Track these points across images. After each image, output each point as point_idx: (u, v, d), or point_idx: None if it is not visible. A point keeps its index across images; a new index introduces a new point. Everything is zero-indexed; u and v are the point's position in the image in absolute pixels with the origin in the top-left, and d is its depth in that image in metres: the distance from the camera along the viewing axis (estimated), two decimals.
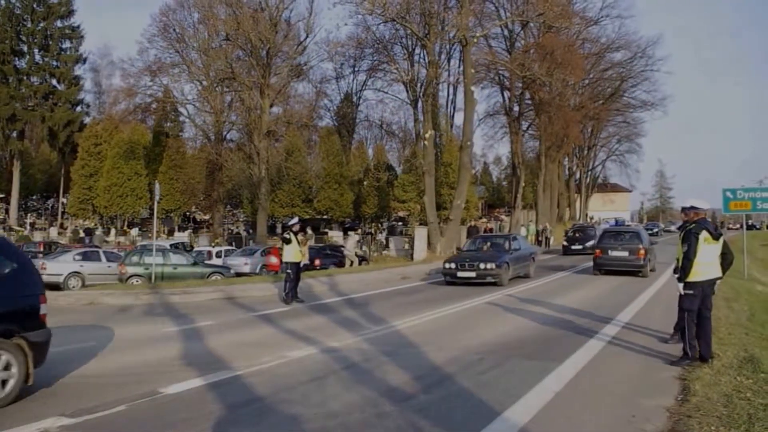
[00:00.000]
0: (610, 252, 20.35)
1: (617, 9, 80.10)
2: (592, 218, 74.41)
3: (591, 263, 20.89)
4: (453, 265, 17.70)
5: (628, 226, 45.80)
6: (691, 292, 7.57)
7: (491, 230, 34.49)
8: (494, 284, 17.11)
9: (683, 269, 7.62)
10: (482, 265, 17.06)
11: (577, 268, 23.60)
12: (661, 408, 5.78)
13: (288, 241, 14.62)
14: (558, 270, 22.59)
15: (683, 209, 8.43)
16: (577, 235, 32.87)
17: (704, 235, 7.55)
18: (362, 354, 8.38)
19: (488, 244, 19.97)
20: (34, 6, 48.06)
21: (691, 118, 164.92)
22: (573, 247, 31.41)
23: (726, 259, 7.91)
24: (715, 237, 7.64)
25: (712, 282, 7.72)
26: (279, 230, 46.83)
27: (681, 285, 7.68)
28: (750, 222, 67.50)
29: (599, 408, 5.92)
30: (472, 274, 17.17)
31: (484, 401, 6.02)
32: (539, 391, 6.36)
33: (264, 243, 34.12)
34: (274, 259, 28.08)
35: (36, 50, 49.08)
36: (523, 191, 52.59)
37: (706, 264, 7.59)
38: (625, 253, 20.02)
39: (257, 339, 9.71)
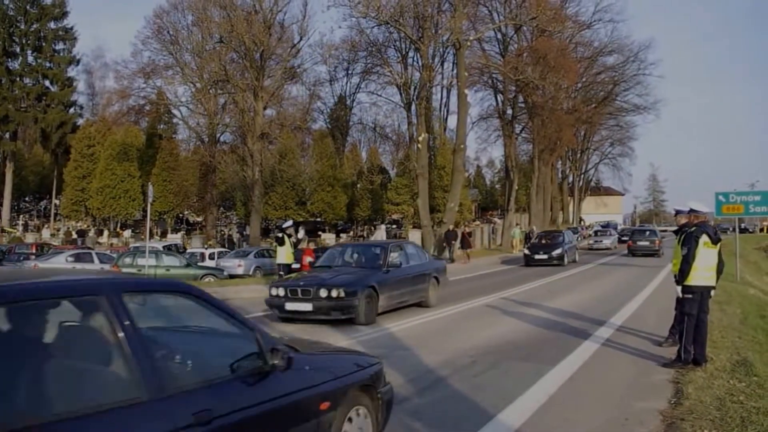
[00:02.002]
0: (638, 242, 32.55)
1: (610, 13, 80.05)
2: (582, 221, 74.68)
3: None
4: (281, 292, 11.37)
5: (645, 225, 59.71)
6: (690, 296, 7.53)
7: (470, 234, 32.52)
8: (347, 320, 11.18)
9: (681, 272, 7.58)
10: (325, 292, 10.83)
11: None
12: (654, 411, 5.78)
13: (281, 243, 14.62)
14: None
15: (679, 213, 8.43)
16: (543, 242, 28.36)
17: (704, 239, 7.51)
18: None
19: (357, 255, 13.68)
20: (28, 7, 47.87)
21: (683, 122, 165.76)
22: (536, 256, 26.50)
23: (718, 265, 7.90)
24: (714, 242, 7.62)
25: (708, 289, 7.71)
26: (275, 232, 46.78)
27: (679, 288, 7.65)
28: (743, 225, 67.77)
29: (593, 410, 5.92)
30: (308, 307, 10.91)
31: (478, 404, 6.01)
32: (533, 394, 6.36)
33: (257, 245, 34.05)
34: (310, 259, 28.53)
35: (29, 51, 48.88)
36: (516, 194, 52.62)
37: (705, 269, 7.55)
38: (647, 243, 32.00)
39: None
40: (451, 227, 29.15)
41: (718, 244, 7.72)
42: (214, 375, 3.17)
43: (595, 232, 46.88)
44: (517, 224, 45.31)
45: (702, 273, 7.53)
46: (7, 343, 2.63)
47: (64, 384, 2.71)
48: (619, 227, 61.09)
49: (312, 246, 30.15)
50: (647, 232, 34.88)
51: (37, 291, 2.81)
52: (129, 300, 2.95)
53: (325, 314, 10.92)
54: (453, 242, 28.19)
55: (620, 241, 44.59)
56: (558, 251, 26.46)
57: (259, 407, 3.23)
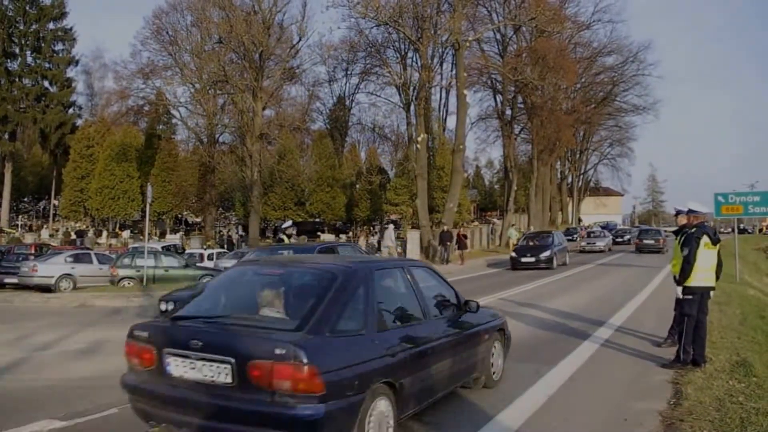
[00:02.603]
0: (644, 240, 35.92)
1: (609, 13, 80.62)
2: (580, 221, 74.69)
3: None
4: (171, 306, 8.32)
5: (638, 226, 61.92)
6: (690, 296, 7.52)
7: (465, 237, 31.08)
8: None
9: (683, 273, 7.56)
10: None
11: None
12: (653, 412, 5.78)
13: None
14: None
15: (680, 213, 8.42)
16: (530, 243, 27.00)
17: (705, 240, 7.51)
18: None
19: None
20: (27, 8, 47.78)
21: (682, 123, 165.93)
22: (523, 259, 25.05)
23: (717, 266, 7.89)
24: (714, 243, 7.62)
25: (708, 290, 7.71)
26: (273, 233, 46.77)
27: (680, 289, 7.64)
28: (742, 226, 67.81)
29: (592, 411, 5.92)
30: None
31: (477, 405, 6.01)
32: (532, 395, 6.36)
33: (256, 246, 34.03)
34: None
35: (28, 52, 48.79)
36: (515, 195, 52.67)
37: (705, 270, 7.55)
38: (652, 241, 35.26)
39: None
40: (446, 228, 28.76)
41: (718, 245, 7.72)
42: (442, 312, 5.94)
43: (588, 234, 45.29)
44: (512, 224, 45.17)
45: (702, 274, 7.53)
46: (383, 288, 5.26)
47: (401, 310, 5.34)
48: (618, 227, 60.87)
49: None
50: (652, 232, 38.92)
51: (387, 265, 6.11)
52: (411, 270, 5.83)
53: None
54: (448, 243, 27.93)
55: (615, 243, 43.57)
56: (546, 254, 25.04)
57: (451, 335, 5.75)
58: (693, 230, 7.66)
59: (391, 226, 29.09)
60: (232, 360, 4.05)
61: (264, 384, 3.97)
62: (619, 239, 47.42)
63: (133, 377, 4.69)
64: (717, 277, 7.87)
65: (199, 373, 4.21)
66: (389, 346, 4.67)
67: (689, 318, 7.48)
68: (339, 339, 4.39)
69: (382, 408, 4.46)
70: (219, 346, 4.16)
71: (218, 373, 4.12)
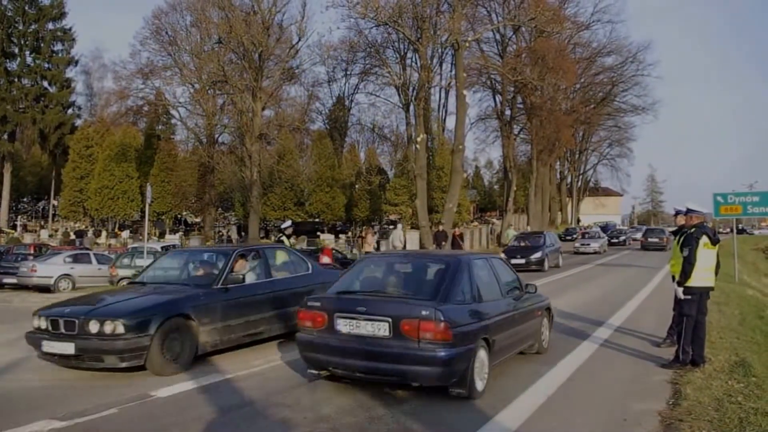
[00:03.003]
0: (649, 239, 39.33)
1: (608, 14, 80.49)
2: (578, 221, 74.76)
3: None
4: (43, 323, 7.65)
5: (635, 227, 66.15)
6: (690, 297, 7.53)
7: (461, 236, 29.82)
8: None
9: (684, 273, 7.56)
10: (96, 326, 7.15)
11: None
12: (652, 412, 5.79)
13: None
14: None
15: (679, 213, 8.44)
16: (521, 244, 26.18)
17: (704, 240, 7.52)
18: None
19: (184, 267, 9.86)
20: (26, 8, 47.75)
21: (681, 123, 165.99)
22: (513, 261, 22.48)
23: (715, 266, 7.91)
24: (714, 243, 7.63)
25: (708, 290, 7.72)
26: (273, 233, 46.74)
27: (680, 290, 7.64)
28: (741, 226, 67.83)
29: (591, 411, 5.92)
30: (69, 349, 7.19)
31: (476, 405, 6.01)
32: (531, 395, 6.37)
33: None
34: (327, 259, 28.50)
35: (27, 52, 48.74)
36: (514, 195, 52.71)
37: (704, 269, 7.56)
38: (657, 239, 38.43)
39: (248, 342, 9.65)
40: (441, 228, 28.44)
41: (717, 245, 7.73)
42: (512, 293, 7.55)
43: (583, 234, 44.26)
44: (510, 225, 45.12)
45: (701, 274, 7.54)
46: (477, 273, 6.86)
47: (488, 289, 6.94)
48: (616, 227, 60.61)
49: (331, 246, 29.99)
50: (657, 231, 42.05)
51: (477, 257, 7.72)
52: (491, 260, 7.70)
53: (95, 359, 7.17)
54: (443, 243, 27.53)
55: (610, 244, 42.65)
56: (537, 255, 24.21)
57: (519, 310, 7.37)
58: (692, 230, 7.66)
59: (400, 226, 28.64)
60: (389, 320, 5.96)
61: (413, 335, 5.83)
62: (615, 240, 46.57)
63: (306, 335, 6.55)
64: (714, 277, 7.90)
65: (362, 330, 6.11)
66: (485, 314, 6.54)
67: (688, 318, 7.49)
68: (457, 306, 6.21)
69: (482, 356, 6.28)
70: (379, 311, 6.08)
71: (378, 329, 6.02)
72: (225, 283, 8.35)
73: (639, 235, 53.67)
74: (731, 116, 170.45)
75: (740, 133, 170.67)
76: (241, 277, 8.64)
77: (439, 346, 5.74)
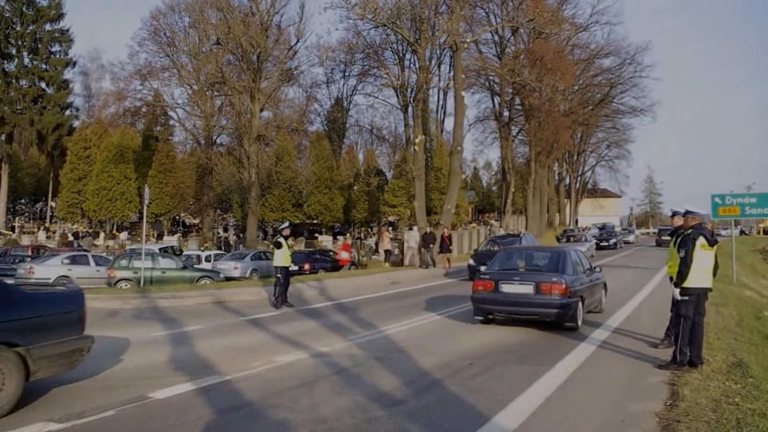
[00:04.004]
0: (662, 237, 41.05)
1: (606, 15, 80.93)
2: (577, 222, 74.78)
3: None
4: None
5: (627, 228, 65.53)
6: (686, 298, 7.56)
7: (450, 237, 27.66)
8: None
9: (680, 274, 7.61)
10: None
11: None
12: (650, 413, 5.80)
13: (279, 246, 14.61)
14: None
15: (676, 214, 8.45)
16: (495, 248, 22.20)
17: (701, 241, 7.55)
18: (352, 359, 8.36)
19: None
20: (24, 9, 47.71)
21: (679, 125, 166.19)
22: (483, 268, 19.51)
23: (713, 268, 7.91)
24: (711, 244, 7.64)
25: (705, 291, 7.73)
26: (270, 235, 46.73)
27: (677, 291, 7.68)
28: (739, 227, 67.92)
29: (589, 413, 5.93)
30: None
31: (474, 406, 6.01)
32: (529, 397, 6.37)
33: (254, 247, 34.01)
34: (345, 254, 28.29)
35: (25, 53, 48.69)
36: (513, 196, 52.76)
37: (702, 271, 7.59)
38: (669, 238, 35.29)
39: (247, 343, 9.66)
40: (428, 229, 27.98)
41: (715, 246, 7.74)
42: (586, 271, 11.82)
43: (567, 238, 40.54)
44: (500, 227, 45.00)
45: (699, 275, 7.57)
46: (574, 258, 11.69)
47: (580, 267, 11.69)
48: (605, 228, 59.43)
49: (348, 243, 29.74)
50: (669, 229, 43.69)
51: (571, 248, 12.80)
52: (577, 250, 12.72)
53: None
54: (431, 245, 26.74)
55: (599, 248, 38.03)
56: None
57: (592, 282, 11.81)
58: (689, 231, 7.67)
59: (415, 228, 28.17)
60: (534, 283, 10.40)
61: (547, 292, 10.19)
62: (604, 243, 42.22)
63: (479, 294, 10.95)
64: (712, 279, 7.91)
65: (517, 290, 10.54)
66: (580, 282, 10.89)
67: (685, 319, 7.51)
68: (569, 277, 10.52)
69: (580, 306, 10.59)
70: (527, 279, 10.64)
71: (527, 289, 10.44)
72: None
73: (632, 237, 53.63)
74: (729, 118, 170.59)
75: (738, 134, 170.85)
76: None
77: (562, 298, 10.13)
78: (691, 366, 7.36)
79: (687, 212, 7.96)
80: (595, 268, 12.47)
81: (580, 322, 10.52)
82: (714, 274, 7.90)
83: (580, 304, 10.54)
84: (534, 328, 10.72)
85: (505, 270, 11.47)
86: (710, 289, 7.85)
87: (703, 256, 7.58)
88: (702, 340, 7.71)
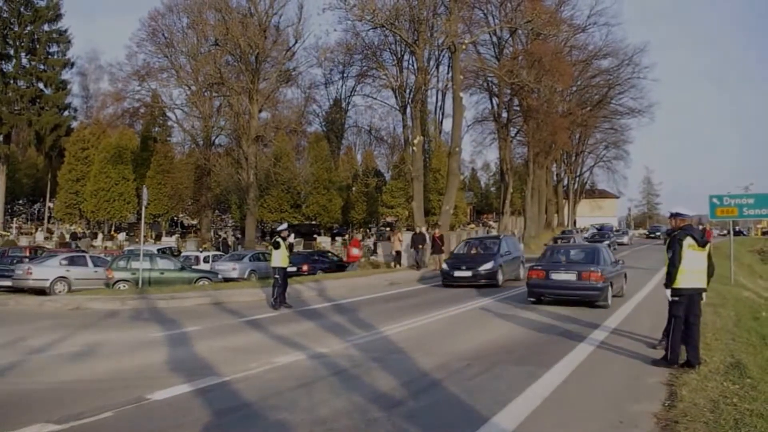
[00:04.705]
0: (649, 235, 50.31)
1: (604, 17, 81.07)
2: (575, 223, 74.84)
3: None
4: None
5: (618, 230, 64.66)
6: (677, 298, 7.64)
7: (441, 238, 26.42)
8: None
9: (668, 275, 7.73)
10: None
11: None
12: (648, 413, 5.80)
13: (277, 246, 14.61)
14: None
15: (671, 215, 8.51)
16: (473, 251, 20.76)
17: (689, 241, 7.62)
18: (350, 360, 8.36)
19: None
20: (21, 10, 47.63)
21: (677, 126, 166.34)
22: (456, 273, 19.00)
23: (708, 269, 7.95)
24: (701, 244, 7.68)
25: (698, 291, 7.76)
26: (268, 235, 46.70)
27: (668, 291, 7.76)
28: (737, 228, 67.97)
29: (587, 413, 5.93)
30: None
31: (472, 407, 6.01)
32: (527, 397, 6.37)
33: (252, 248, 33.99)
34: (356, 251, 28.12)
35: (23, 54, 48.58)
36: (511, 197, 52.78)
37: (693, 271, 7.64)
38: (654, 236, 47.17)
39: (245, 344, 9.66)
40: (418, 230, 27.96)
41: (707, 247, 7.79)
42: (612, 263, 14.95)
43: (555, 240, 37.31)
44: (492, 227, 44.90)
45: (690, 276, 7.64)
46: (606, 252, 15.53)
47: (609, 259, 15.26)
48: (595, 230, 58.72)
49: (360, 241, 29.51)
50: (658, 229, 46.47)
51: (603, 246, 16.94)
52: (607, 248, 17.23)
53: None
54: (420, 246, 26.21)
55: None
56: (488, 266, 18.91)
57: (617, 272, 15.05)
58: (677, 233, 7.77)
59: (424, 228, 27.98)
60: (576, 272, 13.65)
61: (587, 279, 13.35)
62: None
63: (534, 281, 14.18)
64: (708, 280, 7.95)
65: (563, 277, 13.79)
66: (609, 272, 13.95)
67: (676, 319, 7.62)
68: (603, 266, 13.73)
69: (609, 290, 13.67)
70: (572, 268, 13.91)
71: (570, 276, 13.69)
72: None
73: (626, 239, 53.43)
74: (727, 118, 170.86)
75: (736, 135, 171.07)
76: None
77: (598, 283, 13.19)
78: (688, 366, 7.39)
79: (676, 214, 8.07)
80: (618, 261, 15.83)
81: (609, 302, 13.61)
82: (710, 275, 7.95)
83: (609, 288, 13.70)
84: (532, 329, 10.73)
85: (553, 262, 14.71)
86: (704, 290, 7.87)
87: (693, 257, 7.65)
88: (698, 341, 7.74)
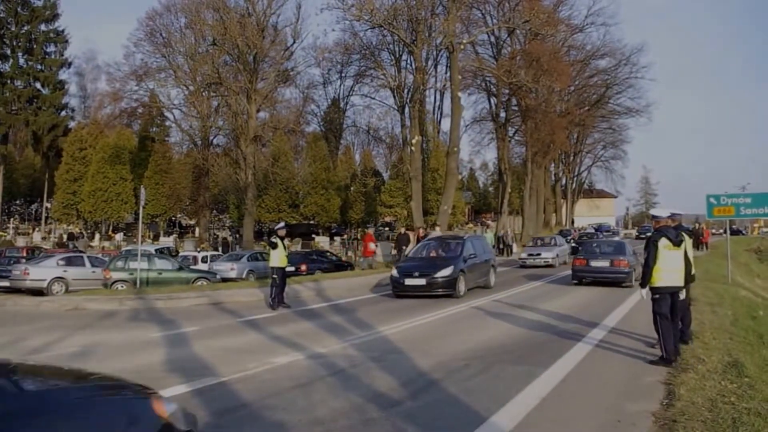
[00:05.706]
0: (639, 236, 43.84)
1: (602, 17, 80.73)
2: (572, 223, 74.88)
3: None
4: None
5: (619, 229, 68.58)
6: (657, 296, 7.85)
7: (425, 237, 23.29)
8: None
9: (643, 275, 7.96)
10: None
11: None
12: (646, 412, 5.80)
13: (275, 246, 14.60)
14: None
15: (671, 215, 8.63)
16: (432, 254, 17.63)
17: (663, 242, 7.82)
18: (349, 360, 8.35)
19: None
20: (18, 9, 47.60)
21: (675, 126, 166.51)
22: (408, 281, 15.84)
23: (686, 267, 8.13)
24: (676, 243, 7.87)
25: (675, 290, 7.95)
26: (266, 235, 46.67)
27: (644, 291, 8.00)
28: (734, 227, 68.01)
29: (585, 413, 5.93)
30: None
31: (471, 407, 6.01)
32: (525, 397, 6.36)
33: (251, 248, 33.98)
34: (372, 245, 28.02)
35: (20, 54, 48.56)
36: (509, 197, 52.80)
37: (669, 270, 7.84)
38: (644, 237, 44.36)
39: (243, 345, 9.65)
40: (403, 230, 27.79)
41: (682, 245, 7.97)
42: (633, 253, 19.81)
43: (536, 242, 31.99)
44: (488, 227, 44.93)
45: (667, 275, 7.83)
46: (631, 247, 21.21)
47: (631, 252, 19.93)
48: (583, 231, 56.61)
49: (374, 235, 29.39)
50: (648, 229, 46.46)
51: (626, 240, 32.45)
52: (628, 242, 25.21)
53: None
54: (404, 247, 25.10)
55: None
56: (445, 272, 15.64)
57: (637, 261, 17.75)
58: (652, 235, 8.02)
59: (438, 228, 27.87)
60: (609, 259, 18.69)
61: (617, 265, 18.39)
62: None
63: (578, 267, 19.13)
64: (687, 278, 8.19)
65: (599, 264, 18.76)
66: (633, 260, 18.55)
67: (661, 316, 7.77)
68: (629, 257, 18.74)
69: (633, 275, 17.67)
70: (604, 257, 18.94)
71: (604, 263, 18.65)
72: None
73: (616, 239, 52.49)
74: (725, 118, 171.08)
75: (733, 135, 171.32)
76: None
77: (626, 269, 17.94)
78: (664, 362, 7.60)
79: (653, 216, 8.35)
80: (635, 252, 19.68)
81: (634, 284, 16.66)
82: (689, 272, 8.24)
83: (633, 273, 17.61)
84: (530, 329, 10.74)
85: (590, 252, 19.70)
86: (681, 288, 8.05)
87: (668, 256, 7.82)
88: (672, 336, 7.87)
